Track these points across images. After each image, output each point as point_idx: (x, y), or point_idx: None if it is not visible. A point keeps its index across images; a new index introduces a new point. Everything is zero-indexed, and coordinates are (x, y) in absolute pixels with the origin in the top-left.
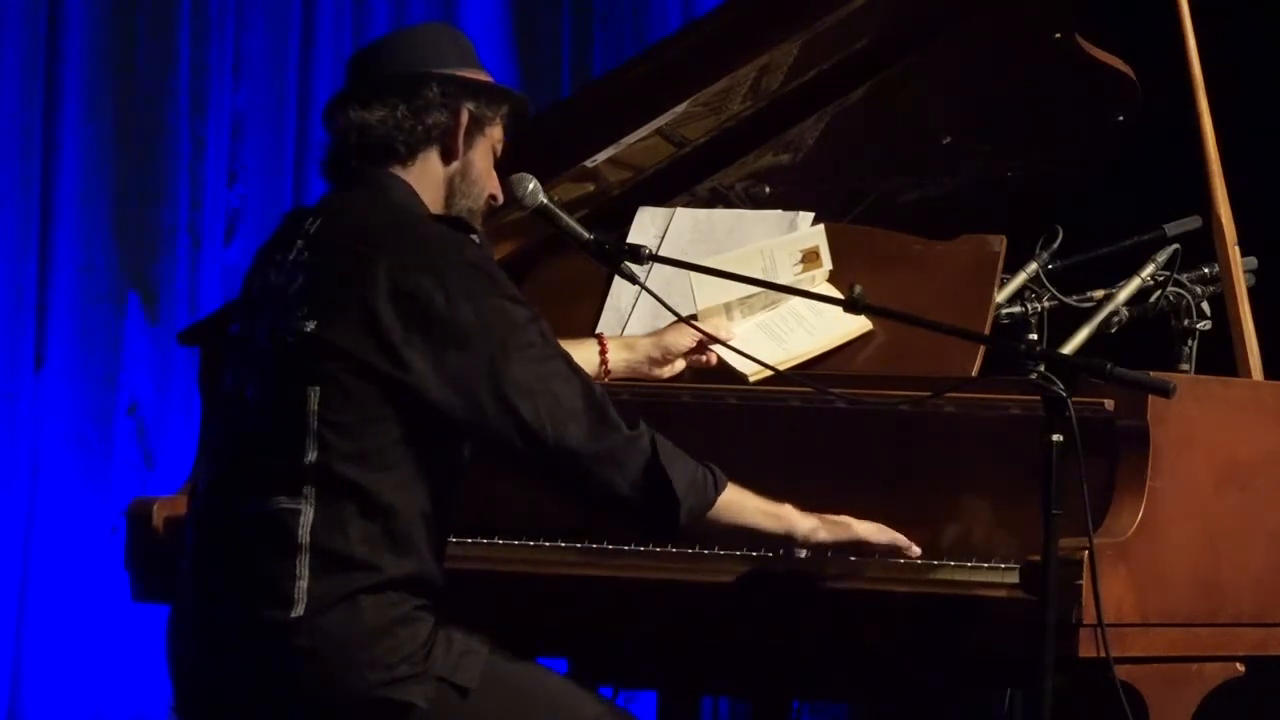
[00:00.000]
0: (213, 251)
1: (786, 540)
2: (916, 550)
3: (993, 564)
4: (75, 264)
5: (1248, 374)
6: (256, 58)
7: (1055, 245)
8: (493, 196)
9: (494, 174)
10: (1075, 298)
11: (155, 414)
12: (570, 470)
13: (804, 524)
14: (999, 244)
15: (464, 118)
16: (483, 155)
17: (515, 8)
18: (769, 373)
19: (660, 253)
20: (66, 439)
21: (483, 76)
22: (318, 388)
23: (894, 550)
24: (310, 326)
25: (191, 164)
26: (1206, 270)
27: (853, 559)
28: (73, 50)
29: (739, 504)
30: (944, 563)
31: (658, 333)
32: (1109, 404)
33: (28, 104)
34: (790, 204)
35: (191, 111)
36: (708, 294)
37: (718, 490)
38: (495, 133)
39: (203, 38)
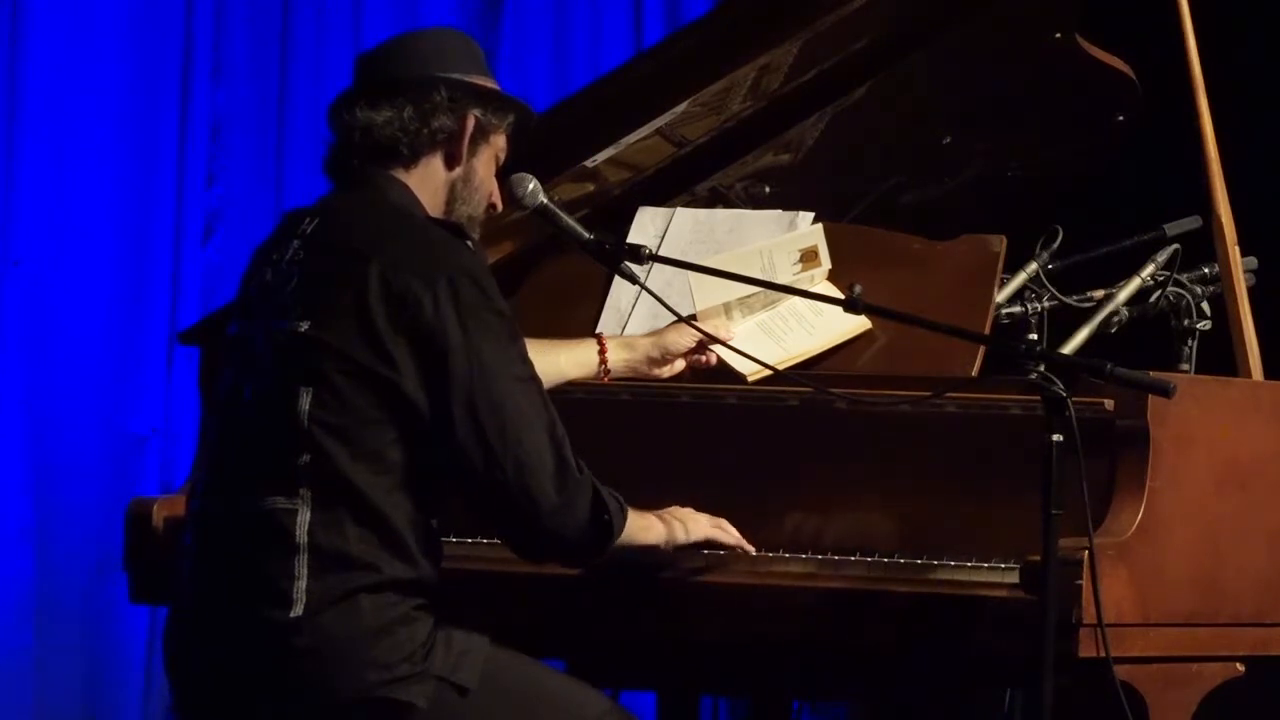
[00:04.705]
0: (191, 252)
1: (656, 549)
2: (751, 549)
3: (993, 564)
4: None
5: (1248, 374)
6: (236, 59)
7: (1055, 245)
8: (492, 205)
9: (495, 182)
10: (1075, 298)
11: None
12: (523, 512)
13: (671, 532)
14: (999, 244)
15: (470, 123)
16: (485, 162)
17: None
18: (768, 372)
19: (660, 253)
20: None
21: (491, 84)
22: (311, 388)
23: (738, 548)
24: (304, 327)
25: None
26: (1206, 270)
27: (853, 558)
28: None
29: (632, 524)
30: (944, 563)
31: (657, 333)
32: (1109, 404)
33: None
34: (790, 204)
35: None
36: (707, 294)
37: (624, 515)
38: (499, 141)
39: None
